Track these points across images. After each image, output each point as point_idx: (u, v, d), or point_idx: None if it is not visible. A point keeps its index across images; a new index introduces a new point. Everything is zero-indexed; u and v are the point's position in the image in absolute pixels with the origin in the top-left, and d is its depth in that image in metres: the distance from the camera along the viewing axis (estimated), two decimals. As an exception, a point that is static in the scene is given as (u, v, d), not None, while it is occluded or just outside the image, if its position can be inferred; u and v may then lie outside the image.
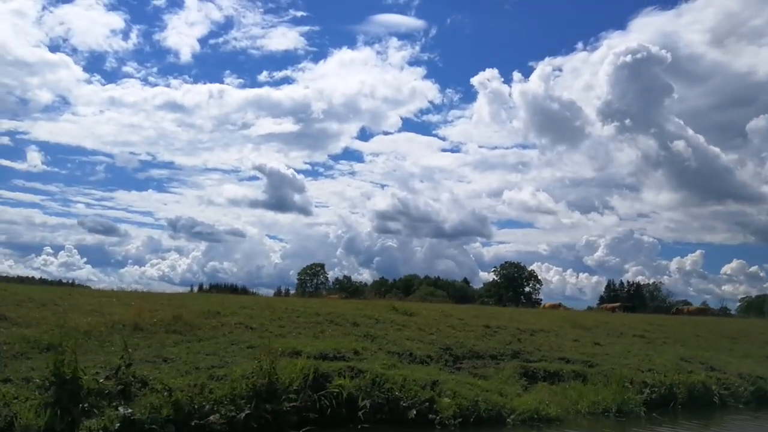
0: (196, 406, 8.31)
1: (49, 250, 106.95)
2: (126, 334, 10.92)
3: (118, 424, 7.45)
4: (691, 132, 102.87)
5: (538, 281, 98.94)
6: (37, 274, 63.92)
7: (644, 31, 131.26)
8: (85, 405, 7.70)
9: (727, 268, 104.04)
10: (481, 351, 14.08)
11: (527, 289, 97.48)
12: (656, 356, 15.95)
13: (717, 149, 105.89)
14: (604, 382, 12.85)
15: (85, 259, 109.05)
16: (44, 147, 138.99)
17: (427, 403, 10.17)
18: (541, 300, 79.94)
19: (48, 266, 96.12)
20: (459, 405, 10.26)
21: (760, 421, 12.46)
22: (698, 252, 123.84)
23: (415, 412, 10.02)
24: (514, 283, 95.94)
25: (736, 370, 15.84)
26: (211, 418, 8.28)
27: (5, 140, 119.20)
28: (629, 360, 15.08)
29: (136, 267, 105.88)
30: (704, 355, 17.00)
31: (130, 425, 7.58)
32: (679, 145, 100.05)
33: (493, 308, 25.89)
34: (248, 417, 8.55)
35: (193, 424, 8.13)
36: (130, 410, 7.68)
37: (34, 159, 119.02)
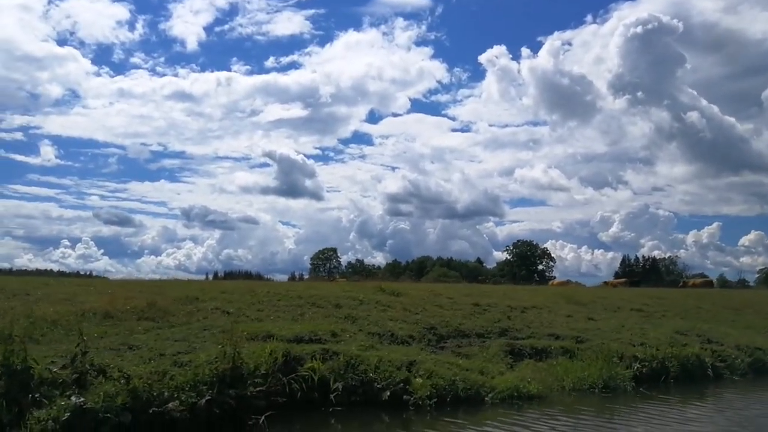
0: (155, 394, 8.04)
1: (66, 242, 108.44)
2: (95, 322, 10.76)
3: (68, 414, 7.20)
4: (704, 102, 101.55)
5: (551, 259, 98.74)
6: (55, 267, 64.58)
7: (655, 0, 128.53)
8: (36, 395, 7.47)
9: (744, 240, 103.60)
10: (467, 329, 13.78)
11: (540, 267, 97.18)
12: (651, 330, 15.58)
13: (732, 119, 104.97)
14: (593, 358, 12.51)
15: (102, 251, 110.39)
16: (57, 141, 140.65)
17: (402, 384, 9.89)
18: (554, 278, 79.40)
19: (66, 259, 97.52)
20: (435, 385, 9.97)
21: (749, 394, 12.04)
22: (715, 224, 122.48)
23: (388, 393, 9.74)
24: (527, 261, 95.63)
25: (735, 341, 15.47)
26: (170, 405, 8.01)
27: (18, 135, 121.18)
28: (622, 334, 14.71)
29: (152, 257, 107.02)
30: (702, 328, 16.60)
31: (82, 414, 7.33)
32: (693, 116, 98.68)
33: (486, 286, 25.54)
34: (210, 403, 8.28)
35: (151, 411, 7.87)
36: (82, 399, 7.43)
37: (48, 153, 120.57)
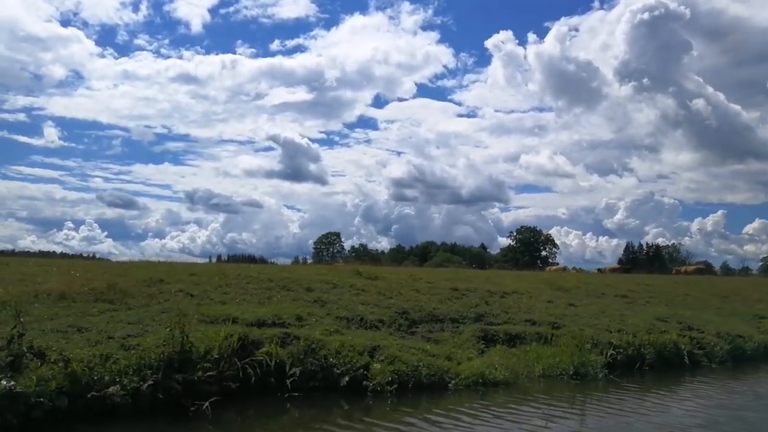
0: (95, 377, 7.72)
1: (70, 224, 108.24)
2: (49, 303, 10.42)
3: (-5, 398, 6.87)
4: (710, 90, 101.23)
5: (555, 245, 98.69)
6: (59, 249, 64.32)
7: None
8: (-34, 379, 7.12)
9: (749, 228, 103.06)
10: (442, 314, 13.43)
11: (544, 253, 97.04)
12: (631, 316, 15.25)
13: (737, 107, 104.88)
14: (567, 344, 12.18)
15: (105, 233, 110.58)
16: (60, 122, 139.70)
17: (362, 370, 9.57)
18: (558, 264, 79.11)
19: (70, 241, 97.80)
20: (397, 371, 9.62)
21: (719, 383, 11.67)
22: (720, 212, 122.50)
23: (347, 379, 9.42)
24: (531, 247, 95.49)
25: (716, 329, 15.13)
26: (111, 389, 7.70)
27: (22, 116, 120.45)
28: (600, 321, 14.37)
29: (156, 240, 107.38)
30: (684, 315, 16.26)
31: (13, 399, 7.01)
32: (699, 103, 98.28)
33: (469, 271, 25.15)
34: (154, 387, 7.96)
35: (89, 396, 7.54)
36: (12, 383, 7.10)
37: (51, 135, 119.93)
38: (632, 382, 11.13)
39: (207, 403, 7.96)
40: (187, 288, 12.47)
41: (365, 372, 9.53)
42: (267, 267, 18.48)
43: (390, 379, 9.45)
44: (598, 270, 47.08)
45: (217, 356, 8.89)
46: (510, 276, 22.35)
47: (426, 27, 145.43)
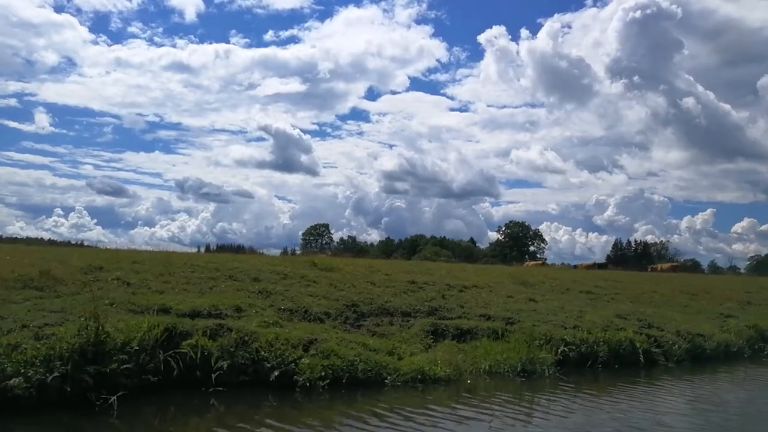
0: (-5, 369, 7.24)
1: (59, 211, 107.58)
2: (-31, 290, 9.86)
3: None
4: (701, 89, 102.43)
5: (543, 240, 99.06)
6: (47, 236, 63.40)
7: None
8: None
9: (737, 227, 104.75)
10: (393, 308, 13.06)
11: (532, 248, 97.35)
12: (590, 312, 14.95)
13: (728, 106, 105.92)
14: (520, 340, 11.84)
15: (95, 221, 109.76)
16: (52, 108, 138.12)
17: (293, 365, 9.15)
18: (545, 259, 79.27)
19: (59, 228, 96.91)
20: (331, 365, 9.21)
21: (664, 384, 11.34)
22: (709, 211, 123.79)
23: (277, 373, 9.01)
24: (519, 242, 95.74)
25: (677, 327, 14.86)
26: (12, 381, 7.22)
27: (13, 102, 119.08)
28: (557, 316, 14.04)
29: (146, 228, 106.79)
30: (646, 312, 16.01)
31: None
32: (689, 102, 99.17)
33: (431, 263, 24.86)
34: (62, 380, 7.49)
35: (-14, 388, 7.06)
36: None
37: (42, 121, 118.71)
38: (579, 382, 10.76)
39: (114, 398, 7.50)
40: (125, 276, 11.96)
41: (296, 367, 9.12)
42: (216, 256, 17.99)
43: (322, 374, 9.05)
44: (574, 266, 47.06)
45: (137, 348, 8.43)
46: (473, 269, 21.98)
47: (420, 21, 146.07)
